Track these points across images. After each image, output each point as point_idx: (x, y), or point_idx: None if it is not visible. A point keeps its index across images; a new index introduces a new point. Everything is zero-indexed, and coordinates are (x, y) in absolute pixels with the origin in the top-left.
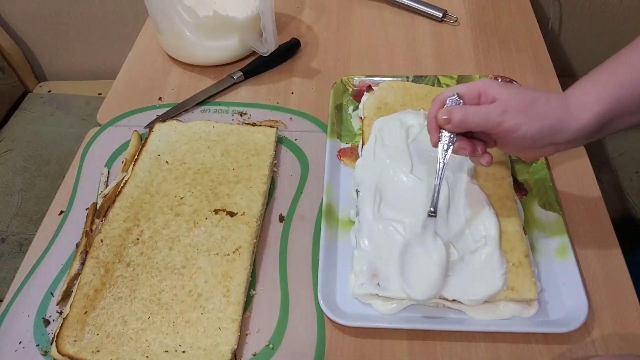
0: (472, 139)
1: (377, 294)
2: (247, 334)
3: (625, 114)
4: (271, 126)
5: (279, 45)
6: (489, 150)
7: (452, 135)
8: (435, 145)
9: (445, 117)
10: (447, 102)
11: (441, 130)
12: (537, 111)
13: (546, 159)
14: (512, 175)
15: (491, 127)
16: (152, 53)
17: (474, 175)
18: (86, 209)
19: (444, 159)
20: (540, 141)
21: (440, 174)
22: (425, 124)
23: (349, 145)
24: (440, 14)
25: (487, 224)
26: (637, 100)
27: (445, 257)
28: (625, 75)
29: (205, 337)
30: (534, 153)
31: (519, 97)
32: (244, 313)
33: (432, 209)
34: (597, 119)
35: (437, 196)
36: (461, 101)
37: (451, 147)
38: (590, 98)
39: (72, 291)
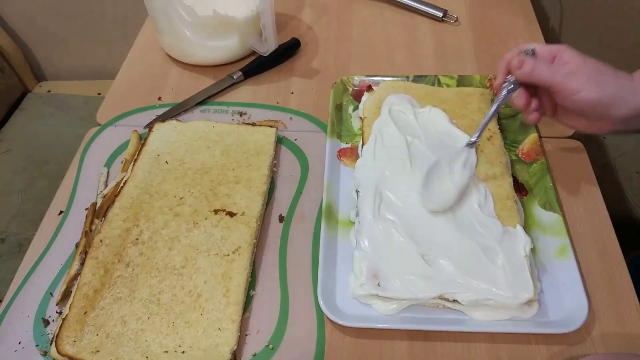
0: (532, 95)
1: (377, 295)
2: (246, 335)
3: None
4: (271, 126)
5: (279, 45)
6: (543, 122)
7: (515, 82)
8: (498, 87)
9: (519, 63)
10: (523, 52)
11: (509, 75)
12: (602, 80)
13: (546, 160)
14: (512, 175)
15: (556, 84)
16: (152, 53)
17: (474, 173)
18: (86, 209)
19: (500, 100)
20: (598, 109)
21: (493, 111)
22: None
23: (349, 145)
24: (440, 14)
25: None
26: None
27: (464, 185)
28: None
29: (204, 337)
30: (590, 125)
31: (590, 65)
32: (243, 313)
33: (473, 139)
34: None
35: (483, 128)
36: (535, 56)
37: (511, 93)
38: None
39: (71, 291)
